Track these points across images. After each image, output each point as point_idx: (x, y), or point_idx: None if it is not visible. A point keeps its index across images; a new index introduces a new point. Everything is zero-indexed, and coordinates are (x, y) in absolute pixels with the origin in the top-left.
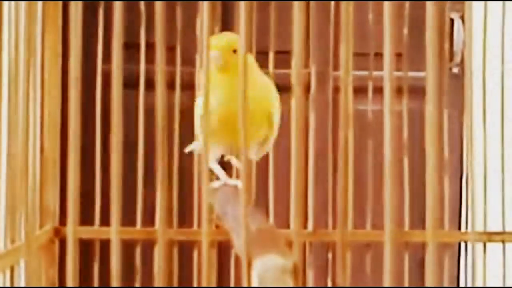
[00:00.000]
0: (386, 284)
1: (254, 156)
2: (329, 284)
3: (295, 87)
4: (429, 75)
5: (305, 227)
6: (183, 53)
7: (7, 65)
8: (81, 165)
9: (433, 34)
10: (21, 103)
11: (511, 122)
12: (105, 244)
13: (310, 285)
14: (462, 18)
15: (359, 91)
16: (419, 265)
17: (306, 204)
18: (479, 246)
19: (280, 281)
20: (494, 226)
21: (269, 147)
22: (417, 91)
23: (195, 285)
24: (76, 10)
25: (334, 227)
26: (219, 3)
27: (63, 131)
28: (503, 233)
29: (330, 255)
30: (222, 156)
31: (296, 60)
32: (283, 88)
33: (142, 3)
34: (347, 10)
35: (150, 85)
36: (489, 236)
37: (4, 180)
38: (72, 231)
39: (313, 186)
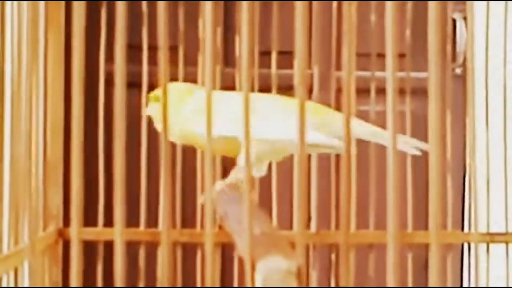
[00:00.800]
0: (389, 285)
1: (256, 172)
2: (333, 285)
3: (298, 87)
4: (432, 76)
5: (308, 228)
6: (185, 53)
7: (10, 66)
8: (84, 166)
9: (436, 35)
10: (24, 104)
11: None
12: (109, 245)
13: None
14: (465, 18)
15: (362, 92)
16: (422, 266)
17: (309, 205)
18: (482, 247)
19: (284, 284)
20: (497, 227)
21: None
22: (419, 91)
23: (198, 285)
24: (79, 10)
25: (337, 228)
26: (220, 3)
27: (66, 132)
28: (506, 234)
29: (333, 256)
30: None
31: (299, 60)
32: (286, 89)
33: (144, 3)
34: (350, 11)
35: (152, 85)
36: (492, 237)
37: (7, 182)
38: (76, 232)
39: (316, 187)
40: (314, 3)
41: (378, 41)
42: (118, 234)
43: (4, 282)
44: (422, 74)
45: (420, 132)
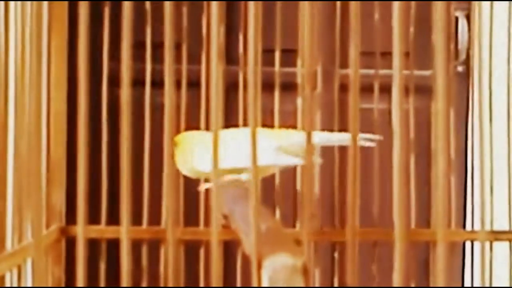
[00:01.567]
0: (395, 283)
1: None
2: (336, 284)
3: (303, 85)
4: (438, 74)
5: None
6: (188, 51)
7: (14, 65)
8: (88, 165)
9: (441, 33)
10: (28, 103)
11: None
12: (111, 243)
13: (316, 285)
14: (467, 16)
15: (365, 89)
16: (423, 264)
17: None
18: (486, 245)
19: (290, 281)
20: (500, 225)
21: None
22: (423, 89)
23: (201, 284)
24: (84, 10)
25: (342, 226)
26: (224, 2)
27: (69, 131)
28: (509, 232)
29: (336, 255)
30: None
31: (305, 58)
32: (289, 86)
33: (148, 3)
34: (355, 10)
35: (156, 83)
36: (495, 235)
37: (11, 180)
38: (81, 230)
39: (319, 185)
40: (318, 2)
41: (382, 39)
42: (125, 232)
43: (8, 279)
44: (425, 72)
45: (422, 129)
